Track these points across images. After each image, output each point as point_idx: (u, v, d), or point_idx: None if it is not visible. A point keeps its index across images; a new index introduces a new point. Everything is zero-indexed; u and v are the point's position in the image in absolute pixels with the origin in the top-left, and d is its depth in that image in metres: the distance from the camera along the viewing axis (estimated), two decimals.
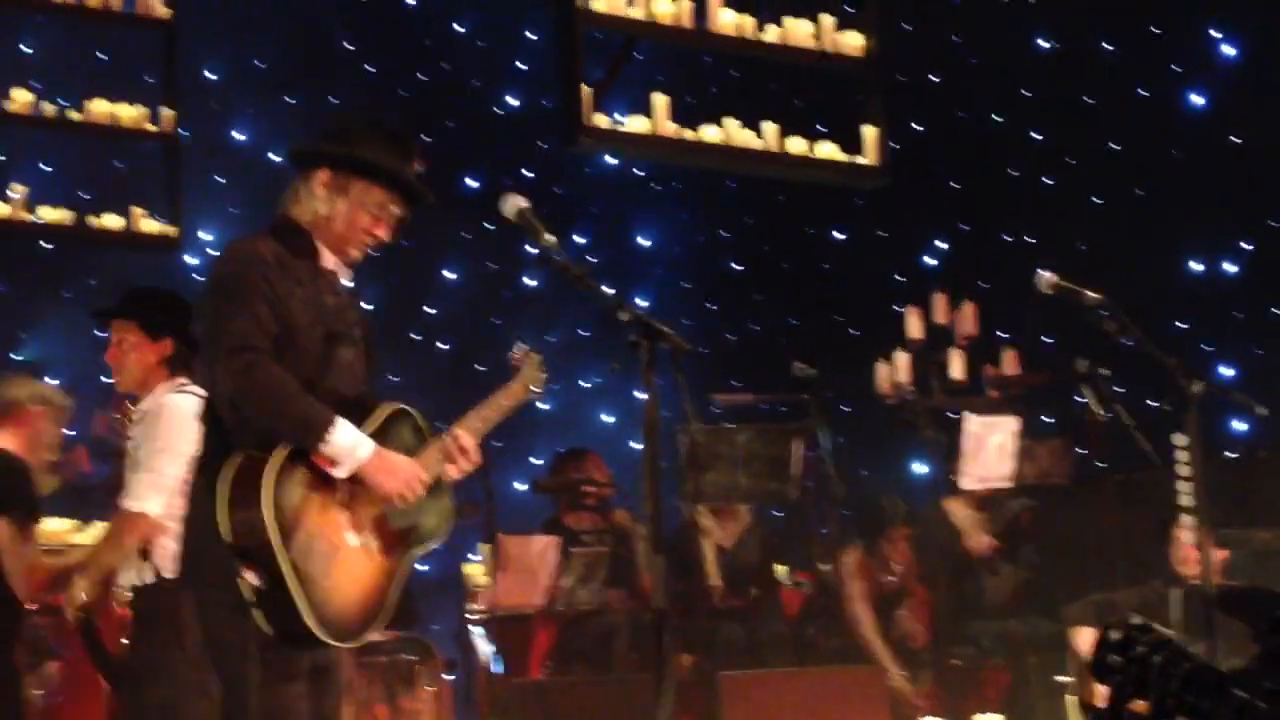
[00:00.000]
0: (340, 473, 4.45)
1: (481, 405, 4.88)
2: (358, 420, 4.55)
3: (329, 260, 4.73)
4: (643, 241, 14.44)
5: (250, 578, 4.27)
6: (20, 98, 10.16)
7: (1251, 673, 2.84)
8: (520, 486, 11.76)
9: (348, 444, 4.45)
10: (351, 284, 4.84)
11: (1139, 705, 2.79)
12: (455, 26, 14.12)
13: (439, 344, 13.38)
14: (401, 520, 4.65)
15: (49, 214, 10.30)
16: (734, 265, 14.47)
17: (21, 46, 12.08)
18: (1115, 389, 8.07)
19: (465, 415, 4.83)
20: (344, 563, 4.46)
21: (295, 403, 4.42)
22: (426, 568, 8.89)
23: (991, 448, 8.99)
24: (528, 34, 14.10)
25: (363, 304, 5.04)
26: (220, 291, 4.52)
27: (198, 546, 4.49)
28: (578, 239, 13.77)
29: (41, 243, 11.41)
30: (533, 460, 12.56)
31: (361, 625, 4.53)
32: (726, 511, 9.52)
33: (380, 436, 4.59)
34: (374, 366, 4.85)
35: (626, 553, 9.36)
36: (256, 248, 4.58)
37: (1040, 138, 13.52)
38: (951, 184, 13.60)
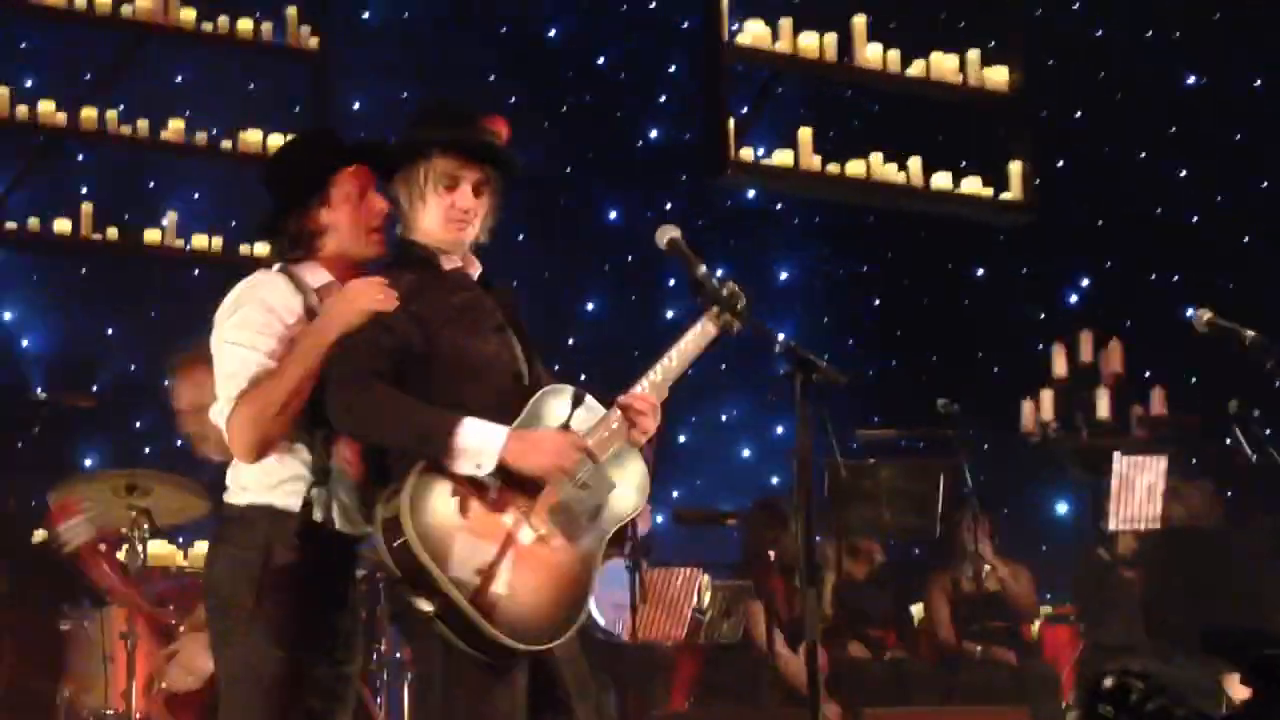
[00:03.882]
0: (483, 471, 4.25)
1: (656, 361, 4.57)
2: (515, 410, 4.38)
3: (449, 261, 4.59)
4: (783, 275, 14.41)
5: (422, 604, 4.17)
6: (173, 126, 10.34)
7: (1240, 718, 2.77)
8: (660, 518, 11.76)
9: (478, 440, 4.24)
10: (477, 271, 4.67)
11: None
12: (598, 60, 14.19)
13: (580, 375, 13.40)
14: (582, 500, 4.40)
15: (199, 241, 10.49)
16: (874, 301, 14.41)
17: (175, 77, 12.28)
18: (1266, 430, 7.95)
19: (646, 372, 4.54)
20: (520, 563, 4.25)
21: (409, 417, 4.27)
22: None
23: (1140, 488, 8.87)
24: (670, 68, 14.14)
25: None
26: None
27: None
28: (718, 273, 13.73)
29: (190, 270, 11.59)
30: (673, 493, 12.55)
31: (562, 621, 4.32)
32: (860, 548, 9.46)
33: (532, 420, 4.37)
34: (528, 342, 4.62)
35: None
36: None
37: (1185, 174, 13.36)
38: (1097, 221, 13.46)
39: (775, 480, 12.20)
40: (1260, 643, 3.17)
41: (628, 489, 4.52)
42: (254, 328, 4.44)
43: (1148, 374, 10.45)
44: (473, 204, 4.55)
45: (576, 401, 4.49)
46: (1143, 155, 13.45)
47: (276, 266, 4.61)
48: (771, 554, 9.19)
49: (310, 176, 4.57)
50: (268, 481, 4.46)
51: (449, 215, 4.52)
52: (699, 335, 4.65)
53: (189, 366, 5.55)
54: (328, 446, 4.48)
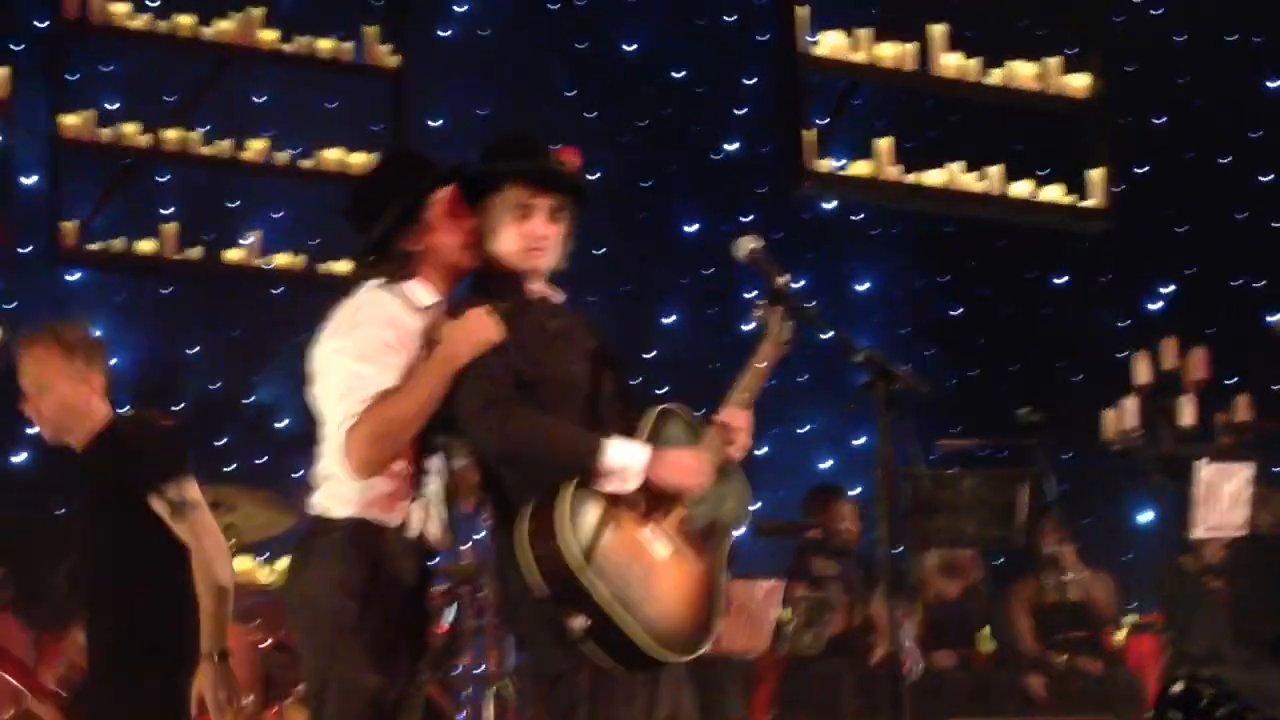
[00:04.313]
0: (629, 487, 4.37)
1: (739, 379, 4.71)
2: (626, 431, 4.49)
3: (533, 291, 4.69)
4: (862, 286, 14.37)
5: (577, 622, 4.23)
6: (255, 146, 10.43)
7: None
8: (741, 530, 11.73)
9: (624, 458, 4.37)
10: (561, 299, 4.78)
11: None
12: (674, 73, 14.20)
13: (657, 389, 13.42)
14: (701, 516, 4.53)
15: (281, 260, 10.57)
16: (954, 310, 14.35)
17: (254, 97, 12.37)
18: None
19: (728, 395, 4.66)
20: (663, 577, 4.38)
21: (559, 435, 4.39)
22: None
23: (1225, 496, 8.79)
24: (746, 80, 14.13)
25: None
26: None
27: (514, 595, 4.46)
28: (798, 284, 13.74)
29: (272, 288, 11.68)
30: (754, 505, 12.51)
31: (702, 631, 4.44)
32: (960, 564, 9.44)
33: (653, 439, 4.50)
34: (618, 365, 4.74)
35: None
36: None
37: (1268, 179, 13.25)
38: (1178, 227, 13.36)
39: (856, 491, 12.14)
40: None
41: (736, 500, 4.67)
42: (376, 347, 4.49)
43: (1232, 380, 10.36)
44: (547, 231, 4.65)
45: (688, 424, 4.65)
46: (1225, 160, 13.35)
47: (377, 283, 4.64)
48: (814, 533, 9.24)
49: (412, 198, 4.62)
50: (369, 496, 4.50)
51: (525, 243, 4.62)
52: (774, 343, 4.78)
53: (30, 344, 5.54)
54: (424, 462, 4.55)
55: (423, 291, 4.62)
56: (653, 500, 4.45)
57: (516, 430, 4.38)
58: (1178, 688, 2.74)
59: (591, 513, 4.34)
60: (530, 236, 4.62)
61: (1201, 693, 2.74)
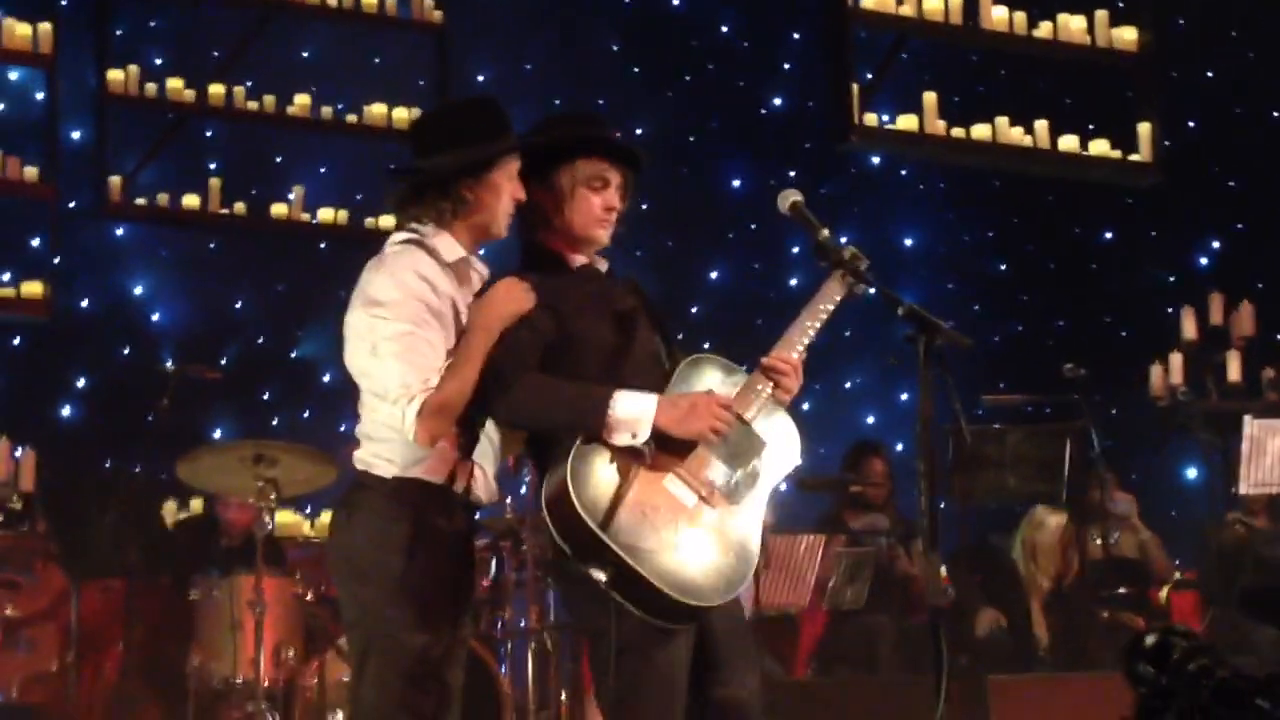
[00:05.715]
0: (639, 440, 4.38)
1: (800, 316, 4.68)
2: (660, 384, 4.50)
3: (576, 259, 4.72)
4: (907, 242, 14.32)
5: (597, 574, 4.27)
6: (300, 101, 10.45)
7: (1277, 680, 2.71)
8: (783, 485, 11.73)
9: (632, 410, 4.38)
10: (605, 266, 4.79)
11: None
12: (721, 28, 14.14)
13: (703, 344, 13.41)
14: (736, 461, 4.52)
15: (326, 215, 10.59)
16: (1000, 265, 14.29)
17: (301, 52, 12.37)
18: None
19: (783, 335, 4.65)
20: (687, 524, 4.38)
21: (564, 395, 4.43)
22: None
23: (1271, 451, 8.74)
24: (793, 34, 14.07)
25: None
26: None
27: (553, 550, 4.48)
28: (842, 239, 13.67)
29: (317, 243, 11.71)
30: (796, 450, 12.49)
31: (733, 576, 4.44)
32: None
33: (681, 387, 4.51)
34: (663, 323, 4.76)
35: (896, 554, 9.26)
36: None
37: None
38: (1227, 182, 13.26)
39: (900, 447, 12.12)
40: None
41: (781, 446, 4.64)
42: (415, 311, 4.48)
43: (1279, 336, 10.30)
44: (618, 203, 4.72)
45: (723, 369, 4.64)
46: (1275, 114, 13.23)
47: (406, 236, 4.62)
48: (856, 488, 9.25)
49: (491, 150, 4.59)
50: (417, 455, 4.51)
51: (597, 215, 4.68)
52: (828, 297, 4.73)
53: None
54: (474, 423, 4.56)
55: (451, 246, 4.61)
56: (677, 447, 4.45)
57: (522, 398, 4.43)
58: (1151, 639, 2.73)
59: (605, 467, 4.37)
60: (604, 207, 4.68)
61: (1174, 645, 2.72)
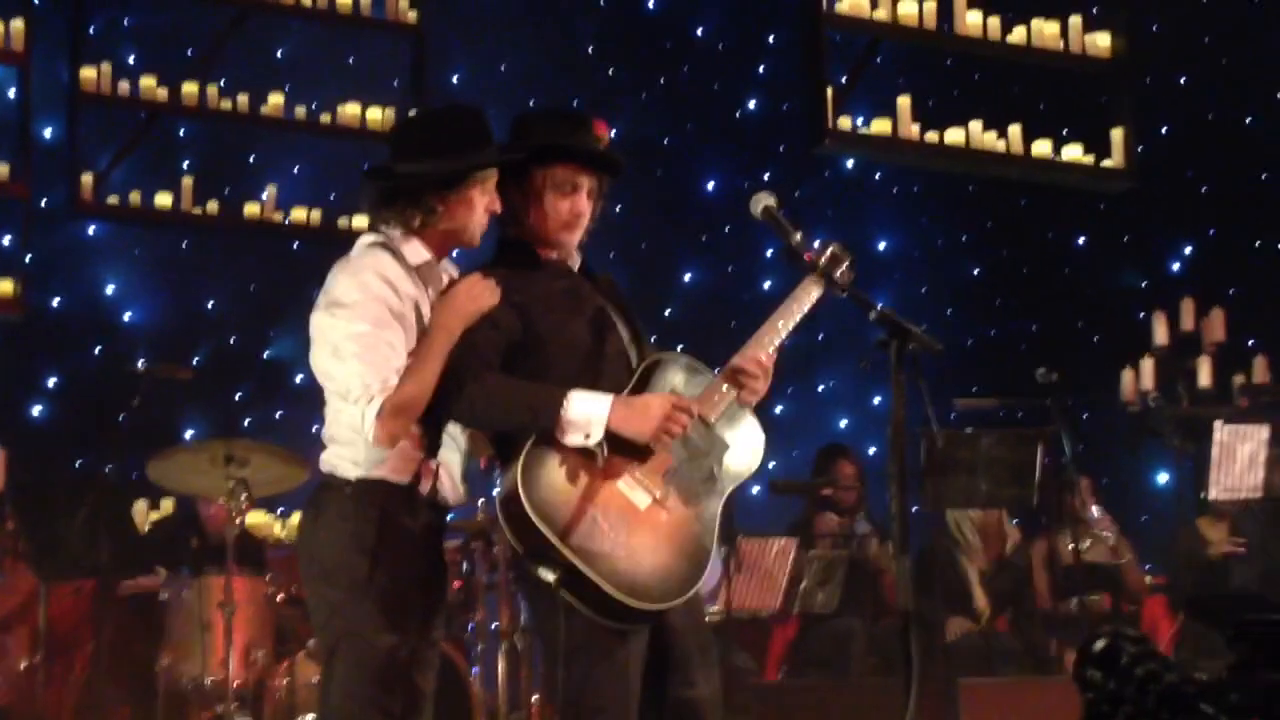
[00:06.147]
0: (592, 440, 4.39)
1: (772, 316, 4.70)
2: (625, 384, 4.50)
3: (548, 255, 4.72)
4: (881, 245, 14.32)
5: (546, 574, 4.27)
6: (273, 101, 10.43)
7: (1222, 685, 2.72)
8: (756, 488, 11.74)
9: (585, 411, 4.38)
10: (577, 263, 4.80)
11: None
12: (697, 30, 14.14)
13: (678, 346, 13.40)
14: (697, 462, 4.53)
15: (299, 214, 10.57)
16: (973, 269, 14.30)
17: (275, 51, 12.35)
18: None
19: (754, 334, 4.66)
20: (639, 526, 4.38)
21: (519, 396, 4.43)
22: None
23: (1241, 457, 8.77)
24: (769, 37, 14.07)
25: None
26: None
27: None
28: (817, 241, 13.66)
29: (292, 243, 11.67)
30: (769, 464, 12.51)
31: (682, 580, 4.43)
32: (991, 532, 9.45)
33: (641, 389, 4.51)
34: (634, 322, 4.77)
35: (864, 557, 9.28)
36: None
37: None
38: (1200, 188, 13.29)
39: (872, 451, 12.14)
40: (1243, 608, 3.14)
41: (742, 449, 4.63)
42: (378, 314, 4.47)
43: (1250, 342, 10.33)
44: (586, 209, 4.74)
45: (687, 370, 4.65)
46: (1247, 121, 13.26)
47: (374, 239, 4.63)
48: (827, 491, 9.25)
49: (464, 166, 4.60)
50: (379, 455, 4.51)
51: (564, 219, 4.70)
52: (801, 298, 4.75)
53: None
54: (438, 423, 4.57)
55: (417, 250, 4.62)
56: (635, 448, 4.44)
57: (477, 399, 4.44)
58: (1100, 644, 2.72)
59: (557, 469, 4.37)
60: (571, 212, 4.69)
61: (1123, 650, 2.71)
